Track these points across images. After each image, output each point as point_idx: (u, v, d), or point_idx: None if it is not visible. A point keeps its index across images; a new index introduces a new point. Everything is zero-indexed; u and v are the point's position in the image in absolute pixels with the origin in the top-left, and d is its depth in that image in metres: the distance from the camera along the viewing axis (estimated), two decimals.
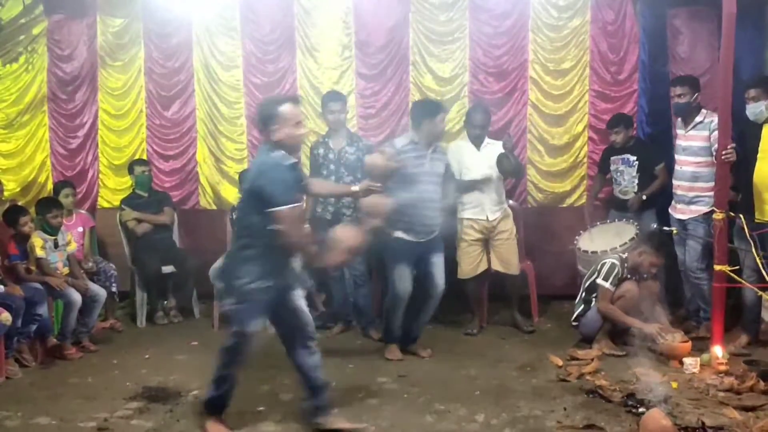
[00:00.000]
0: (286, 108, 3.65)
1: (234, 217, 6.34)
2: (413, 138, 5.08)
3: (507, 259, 5.74)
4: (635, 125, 6.29)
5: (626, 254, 5.25)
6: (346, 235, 3.81)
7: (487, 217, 5.67)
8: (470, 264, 5.73)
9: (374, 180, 4.25)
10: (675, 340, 4.82)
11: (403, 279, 5.09)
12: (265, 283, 3.65)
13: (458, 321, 6.04)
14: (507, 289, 5.94)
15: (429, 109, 5.09)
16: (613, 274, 5.13)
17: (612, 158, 6.00)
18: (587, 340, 5.25)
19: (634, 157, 5.87)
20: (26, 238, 5.37)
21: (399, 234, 5.02)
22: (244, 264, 3.67)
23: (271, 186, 3.55)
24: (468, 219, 5.70)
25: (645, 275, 5.19)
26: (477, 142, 5.71)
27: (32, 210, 5.90)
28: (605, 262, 5.20)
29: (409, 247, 5.07)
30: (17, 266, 5.26)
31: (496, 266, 5.77)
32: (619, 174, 5.96)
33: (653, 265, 5.13)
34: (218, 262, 6.09)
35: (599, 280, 5.16)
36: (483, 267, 5.78)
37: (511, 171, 5.65)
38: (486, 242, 5.75)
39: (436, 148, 5.18)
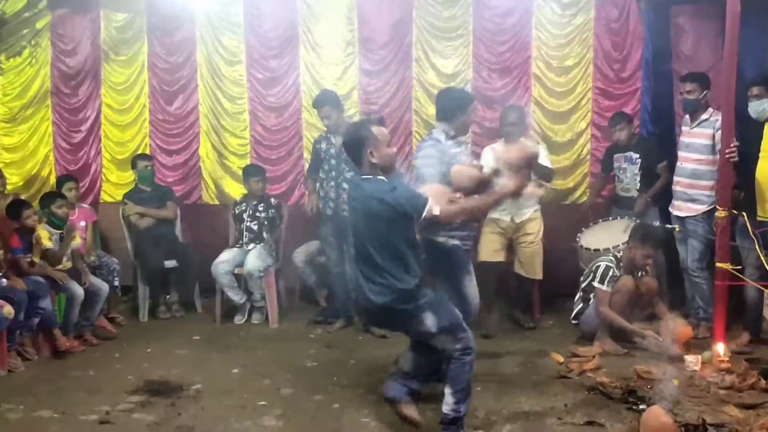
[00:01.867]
0: (377, 129, 3.60)
1: (236, 212, 6.36)
2: (447, 131, 4.48)
3: (530, 263, 5.71)
4: (637, 123, 6.29)
5: (620, 253, 5.25)
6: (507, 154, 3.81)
7: (512, 218, 5.67)
8: (490, 248, 5.70)
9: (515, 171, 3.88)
10: (676, 326, 4.82)
11: (476, 291, 4.46)
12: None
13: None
14: (517, 288, 5.93)
15: (461, 101, 4.58)
16: (609, 276, 5.13)
17: (615, 156, 6.00)
18: (587, 338, 5.25)
19: (637, 155, 5.86)
20: (29, 231, 5.37)
21: (455, 241, 4.33)
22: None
23: (407, 196, 3.54)
24: (492, 218, 5.69)
25: (642, 271, 5.18)
26: (511, 142, 5.68)
27: (35, 204, 5.92)
28: (599, 265, 5.20)
29: (465, 254, 4.46)
30: (20, 260, 5.27)
31: (518, 269, 5.76)
32: (621, 171, 5.96)
33: (645, 257, 5.10)
34: (221, 257, 6.14)
35: (595, 283, 5.16)
36: (500, 257, 5.77)
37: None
38: (510, 241, 5.76)
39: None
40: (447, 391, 3.56)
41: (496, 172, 4.00)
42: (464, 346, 3.56)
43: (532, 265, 5.73)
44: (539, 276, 5.79)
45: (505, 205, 5.53)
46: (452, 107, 4.51)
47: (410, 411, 3.72)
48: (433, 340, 3.60)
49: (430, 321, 3.55)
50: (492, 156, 5.50)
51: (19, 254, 5.28)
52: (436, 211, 3.50)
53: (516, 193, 3.72)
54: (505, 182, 3.70)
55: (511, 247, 5.80)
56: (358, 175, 3.73)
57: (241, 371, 4.86)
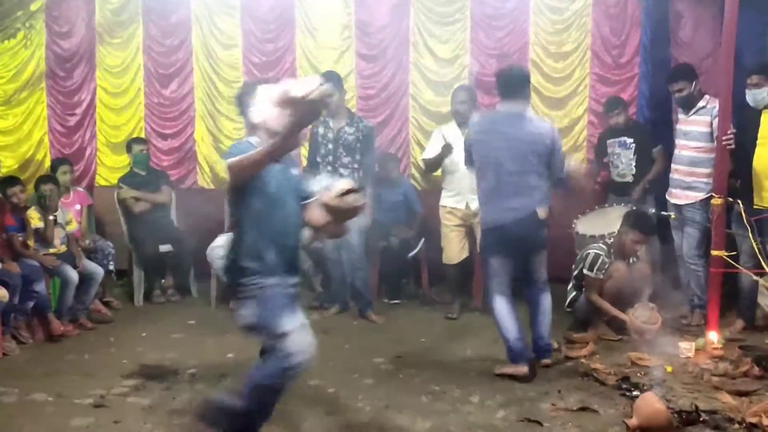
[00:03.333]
0: (263, 88, 3.20)
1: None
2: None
3: None
4: (634, 109, 6.27)
5: (611, 240, 5.26)
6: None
7: (467, 205, 5.60)
8: (454, 250, 5.71)
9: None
10: (642, 318, 4.85)
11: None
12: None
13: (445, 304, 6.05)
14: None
15: (527, 76, 4.57)
16: (598, 263, 5.13)
17: (609, 141, 5.97)
18: (583, 324, 5.26)
19: (631, 140, 5.84)
20: (23, 209, 5.35)
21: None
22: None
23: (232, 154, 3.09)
24: (449, 207, 5.70)
25: (634, 257, 5.19)
26: (461, 122, 5.64)
27: (30, 187, 5.89)
28: (589, 253, 5.20)
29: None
30: (14, 237, 5.23)
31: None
32: (616, 157, 5.94)
33: (635, 242, 5.10)
34: (216, 242, 6.11)
35: (585, 271, 5.17)
36: (465, 253, 5.77)
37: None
38: (470, 228, 5.71)
39: None
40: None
41: (446, 148, 3.90)
42: (283, 355, 3.04)
43: None
44: None
45: (457, 192, 5.58)
46: (527, 84, 4.45)
47: None
48: (252, 332, 3.22)
49: (249, 310, 3.16)
50: (441, 137, 5.61)
51: (13, 232, 5.25)
52: (228, 163, 3.04)
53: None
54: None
55: (472, 235, 5.72)
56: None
57: (236, 356, 4.86)
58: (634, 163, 5.84)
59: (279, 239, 3.18)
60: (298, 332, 3.08)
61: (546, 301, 4.54)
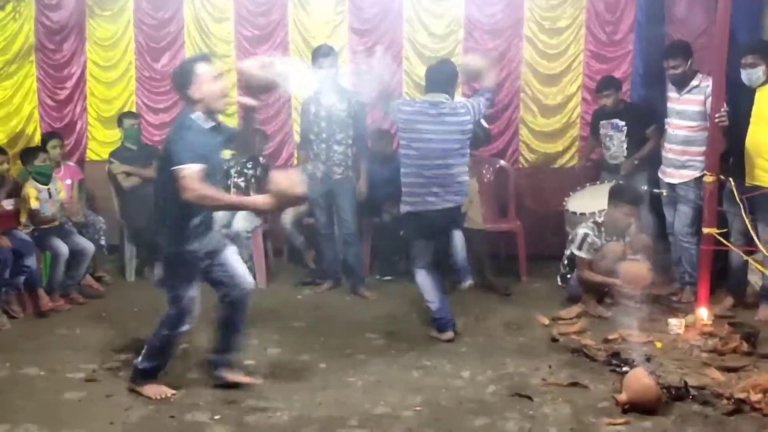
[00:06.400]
0: (200, 66, 3.56)
1: (224, 168, 6.30)
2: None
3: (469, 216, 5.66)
4: (628, 87, 6.24)
5: (601, 218, 5.24)
6: (283, 181, 3.46)
7: None
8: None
9: (250, 92, 3.68)
10: (634, 269, 4.84)
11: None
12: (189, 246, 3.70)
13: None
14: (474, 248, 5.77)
15: (453, 73, 4.69)
16: (586, 244, 5.13)
17: (601, 122, 5.95)
18: (574, 301, 5.27)
19: (623, 122, 5.81)
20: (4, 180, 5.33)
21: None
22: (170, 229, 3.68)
23: (178, 144, 3.46)
24: None
25: (626, 231, 5.19)
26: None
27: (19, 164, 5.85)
28: (578, 232, 5.20)
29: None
30: None
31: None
32: (608, 139, 5.92)
33: (626, 215, 5.11)
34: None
35: (574, 251, 5.18)
36: None
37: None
38: None
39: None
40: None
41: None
42: (175, 313, 3.87)
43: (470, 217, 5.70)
44: (479, 225, 5.79)
45: None
46: (453, 81, 4.67)
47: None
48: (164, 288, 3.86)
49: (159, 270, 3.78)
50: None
51: None
52: (184, 178, 3.35)
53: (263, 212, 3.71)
54: (258, 199, 3.62)
55: None
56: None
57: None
58: (625, 146, 5.83)
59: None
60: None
61: (458, 236, 4.91)
